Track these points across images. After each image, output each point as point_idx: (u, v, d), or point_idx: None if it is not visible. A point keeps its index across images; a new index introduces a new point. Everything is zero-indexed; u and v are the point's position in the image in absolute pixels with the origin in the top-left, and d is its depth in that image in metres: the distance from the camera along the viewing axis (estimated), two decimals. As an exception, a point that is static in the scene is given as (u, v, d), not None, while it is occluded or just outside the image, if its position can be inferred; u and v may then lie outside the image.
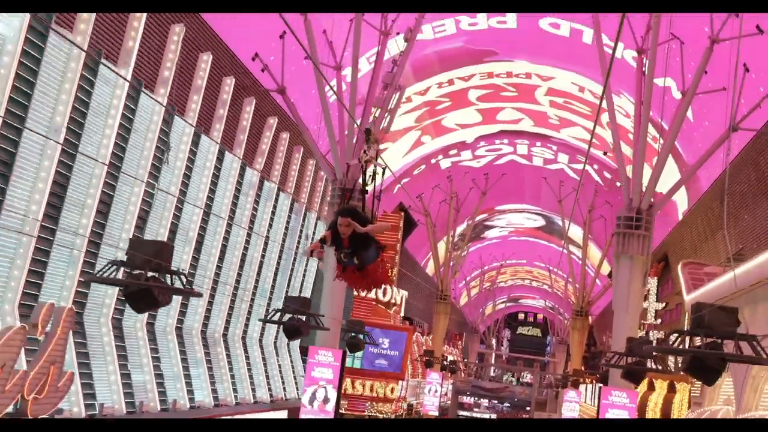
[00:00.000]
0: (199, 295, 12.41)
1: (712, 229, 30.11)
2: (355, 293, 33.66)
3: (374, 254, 8.14)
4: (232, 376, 22.31)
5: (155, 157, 16.55)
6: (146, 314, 17.72)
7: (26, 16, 11.64)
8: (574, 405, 43.43)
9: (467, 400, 59.82)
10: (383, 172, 9.44)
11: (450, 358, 51.92)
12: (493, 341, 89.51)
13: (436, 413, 45.96)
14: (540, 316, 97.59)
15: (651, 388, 26.47)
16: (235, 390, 22.40)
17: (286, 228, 25.39)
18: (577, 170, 40.06)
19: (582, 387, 45.12)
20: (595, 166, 38.39)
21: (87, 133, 14.32)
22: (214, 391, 21.03)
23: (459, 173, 42.94)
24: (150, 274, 11.01)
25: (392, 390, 37.76)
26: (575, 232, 48.27)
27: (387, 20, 24.27)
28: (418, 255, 51.08)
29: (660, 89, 24.59)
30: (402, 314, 42.20)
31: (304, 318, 18.94)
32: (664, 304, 38.05)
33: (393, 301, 40.45)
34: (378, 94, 23.94)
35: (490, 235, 58.63)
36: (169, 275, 10.95)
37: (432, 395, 44.46)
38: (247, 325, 23.97)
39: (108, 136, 14.94)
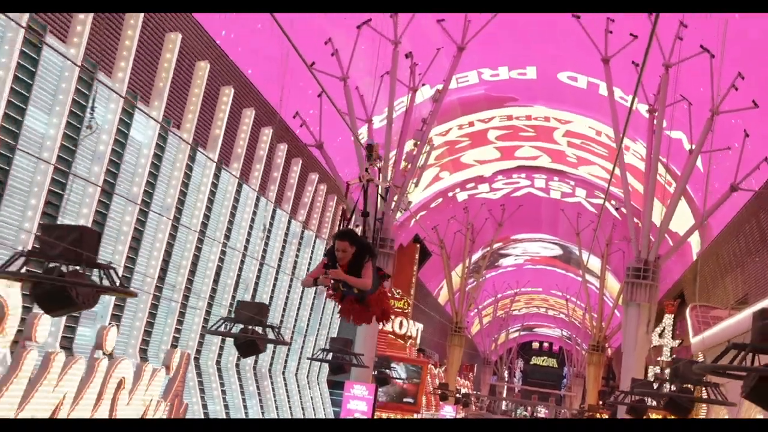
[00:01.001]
0: (287, 343, 18.58)
1: (722, 272, 36.30)
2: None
3: (376, 284, 8.35)
4: (277, 407, 28.48)
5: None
6: (217, 355, 23.97)
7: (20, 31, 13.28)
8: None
9: (479, 435, 65.80)
10: (386, 192, 11.46)
11: (463, 390, 57.93)
12: (505, 372, 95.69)
13: (450, 447, 51.99)
14: (556, 346, 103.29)
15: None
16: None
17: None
18: (596, 204, 46.26)
19: (598, 422, 51.27)
20: (613, 202, 44.53)
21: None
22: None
23: (475, 205, 49.25)
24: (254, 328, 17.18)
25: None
26: (593, 263, 54.43)
27: (415, 76, 30.54)
28: (431, 284, 57.30)
29: (673, 141, 30.98)
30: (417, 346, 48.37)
31: (347, 357, 25.24)
32: (679, 341, 44.20)
33: (409, 334, 46.69)
34: (408, 151, 30.29)
35: (505, 263, 64.96)
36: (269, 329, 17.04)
37: (446, 429, 50.44)
38: (286, 361, 30.16)
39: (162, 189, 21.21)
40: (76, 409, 15.17)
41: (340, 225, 10.72)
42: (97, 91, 16.00)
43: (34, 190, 15.36)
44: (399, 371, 41.23)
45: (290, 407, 30.10)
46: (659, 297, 36.17)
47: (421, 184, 43.23)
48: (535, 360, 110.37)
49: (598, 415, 47.67)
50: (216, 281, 23.51)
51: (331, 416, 34.64)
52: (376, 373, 31.52)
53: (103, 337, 16.16)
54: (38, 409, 14.10)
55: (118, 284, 11.03)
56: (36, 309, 13.73)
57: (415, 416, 44.13)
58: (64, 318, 15.40)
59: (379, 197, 9.72)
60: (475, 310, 69.49)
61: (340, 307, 8.75)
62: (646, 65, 26.95)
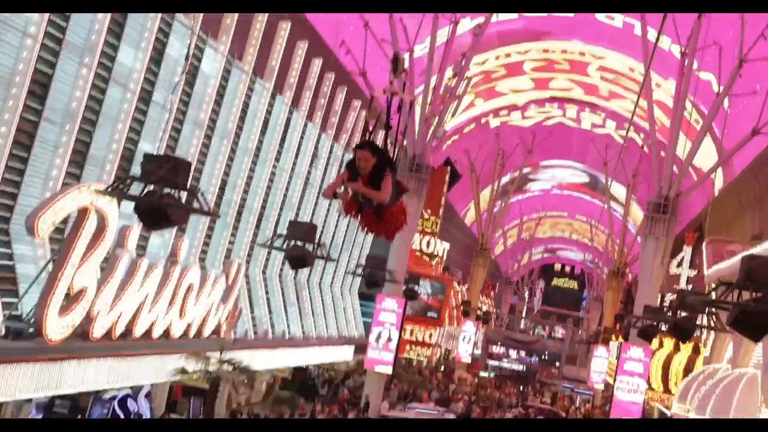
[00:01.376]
0: (333, 260, 20.96)
1: (741, 209, 38.30)
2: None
3: (395, 197, 8.42)
4: (314, 315, 31.23)
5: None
6: (263, 265, 26.61)
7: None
8: (603, 361, 52.47)
9: (497, 350, 69.26)
10: (411, 106, 10.53)
11: (484, 308, 60.79)
12: (526, 293, 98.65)
13: (469, 360, 55.20)
14: (577, 270, 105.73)
15: (661, 346, 35.17)
16: (315, 327, 31.41)
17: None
18: (625, 137, 47.98)
19: (613, 345, 53.98)
20: (641, 135, 46.30)
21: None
22: (303, 326, 30.00)
23: (507, 131, 51.19)
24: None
25: (430, 336, 46.78)
26: (620, 191, 56.39)
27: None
28: (459, 205, 59.62)
29: (702, 82, 32.74)
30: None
31: (381, 273, 27.80)
32: (696, 272, 46.45)
33: (435, 252, 49.23)
34: (447, 82, 32.28)
35: (533, 188, 67.07)
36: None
37: (466, 343, 53.58)
38: (322, 274, 32.81)
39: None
40: (154, 309, 17.80)
41: (362, 137, 9.15)
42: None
43: (121, 117, 17.74)
44: (425, 287, 43.91)
45: (325, 315, 32.86)
46: (679, 229, 38.55)
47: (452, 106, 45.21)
48: (556, 281, 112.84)
49: (613, 338, 50.13)
50: (265, 200, 25.94)
51: (362, 326, 37.47)
52: (405, 288, 34.09)
53: (177, 248, 18.71)
54: (126, 307, 16.71)
55: (203, 206, 13.43)
56: (128, 222, 16.27)
57: (438, 330, 46.88)
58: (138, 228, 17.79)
59: (402, 110, 9.47)
60: (500, 231, 71.79)
61: (357, 218, 8.72)
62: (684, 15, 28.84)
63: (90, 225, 14.92)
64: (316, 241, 20.18)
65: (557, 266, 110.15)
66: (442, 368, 53.06)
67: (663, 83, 37.81)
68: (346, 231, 34.27)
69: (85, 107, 16.51)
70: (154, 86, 18.65)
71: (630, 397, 30.89)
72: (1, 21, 14.00)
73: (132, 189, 12.95)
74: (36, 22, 14.64)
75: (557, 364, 72.39)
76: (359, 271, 28.38)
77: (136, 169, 17.52)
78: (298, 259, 20.30)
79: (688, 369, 35.29)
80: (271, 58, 24.15)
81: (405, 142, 32.04)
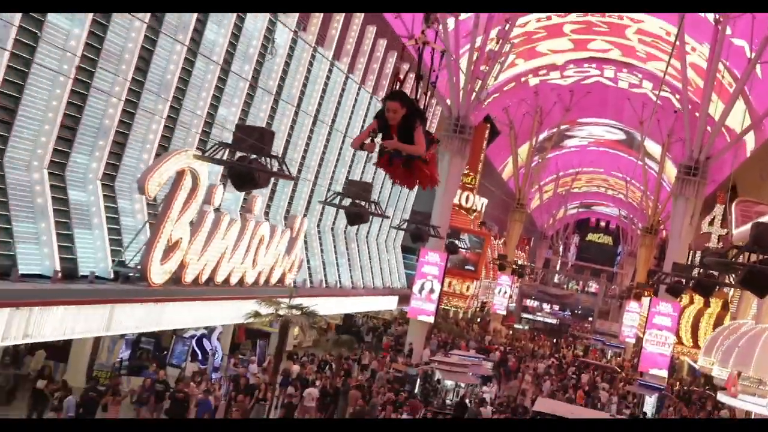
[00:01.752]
0: (387, 216, 23.44)
1: (772, 172, 40.28)
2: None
3: (426, 148, 8.43)
4: (361, 267, 33.82)
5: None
6: (318, 220, 29.17)
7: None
8: (634, 315, 54.89)
9: (531, 303, 71.82)
10: (442, 56, 9.25)
11: (519, 262, 63.23)
12: (561, 247, 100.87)
13: (504, 313, 57.79)
14: (612, 225, 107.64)
15: (691, 302, 37.48)
16: (363, 278, 34.03)
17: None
18: (661, 97, 49.88)
19: (645, 300, 56.28)
20: (677, 96, 48.11)
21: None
22: (352, 277, 32.63)
23: (545, 89, 53.15)
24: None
25: (467, 288, 49.32)
26: (656, 149, 58.27)
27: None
28: (497, 160, 61.82)
29: (736, 48, 34.56)
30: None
31: (426, 228, 30.15)
32: (727, 230, 48.50)
33: (474, 207, 51.62)
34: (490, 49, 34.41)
35: (569, 144, 69.03)
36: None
37: (502, 296, 56.13)
38: (369, 227, 35.35)
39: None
40: (233, 259, 20.41)
41: (392, 86, 9.36)
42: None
43: (205, 86, 20.21)
44: (464, 241, 46.34)
45: (371, 267, 35.47)
46: (711, 189, 40.70)
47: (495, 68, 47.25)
48: (591, 236, 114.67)
49: (645, 293, 52.30)
50: (322, 158, 28.45)
51: (404, 277, 40.07)
52: (447, 242, 36.51)
53: (252, 204, 21.25)
54: (211, 256, 19.33)
55: (285, 171, 15.86)
56: (213, 182, 18.81)
57: (475, 283, 49.37)
58: (222, 187, 20.34)
59: (433, 61, 9.24)
60: (536, 187, 73.91)
61: (387, 171, 8.72)
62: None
63: (186, 185, 17.47)
64: (371, 199, 22.59)
65: (592, 221, 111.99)
66: (478, 320, 55.68)
67: (698, 47, 39.59)
68: (392, 187, 36.67)
69: (177, 79, 18.99)
70: (232, 58, 21.08)
71: (658, 349, 33.20)
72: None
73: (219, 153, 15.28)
74: (141, 7, 17.07)
75: (590, 318, 74.93)
76: (404, 225, 30.77)
77: (217, 133, 20.07)
78: (357, 216, 22.72)
79: (717, 325, 37.75)
80: (331, 27, 26.48)
81: (449, 102, 34.36)
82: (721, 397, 28.69)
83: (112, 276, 17.14)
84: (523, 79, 50.78)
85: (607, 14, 42.22)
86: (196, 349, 22.48)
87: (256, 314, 20.74)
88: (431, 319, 34.52)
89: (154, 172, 16.43)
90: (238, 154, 15.25)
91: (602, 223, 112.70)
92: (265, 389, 19.29)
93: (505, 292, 56.61)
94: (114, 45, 16.91)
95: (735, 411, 30.17)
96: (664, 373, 33.12)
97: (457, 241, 37.41)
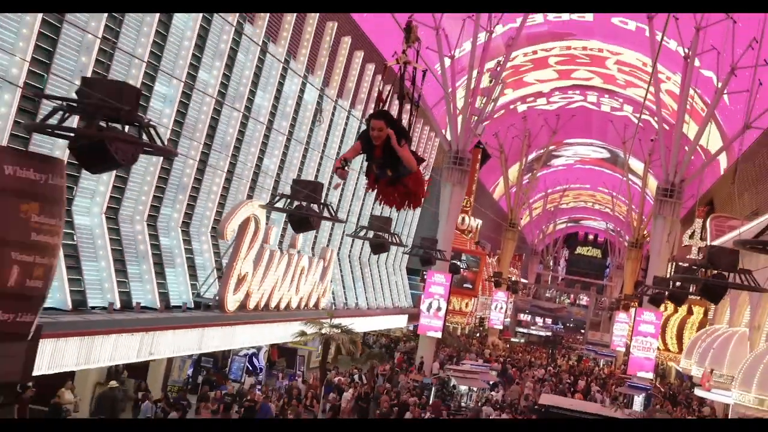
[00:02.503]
0: (405, 245, 28.12)
1: (740, 189, 45.20)
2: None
3: (409, 168, 8.58)
4: (374, 289, 38.52)
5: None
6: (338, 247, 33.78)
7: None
8: (623, 326, 59.70)
9: (525, 318, 76.65)
10: (423, 75, 9.60)
11: (513, 278, 68.03)
12: (551, 261, 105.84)
13: (501, 327, 62.54)
14: (600, 238, 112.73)
15: (676, 311, 42.32)
16: (375, 299, 38.74)
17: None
18: (642, 120, 54.90)
19: (633, 311, 61.13)
20: (656, 118, 53.05)
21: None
22: (366, 299, 37.32)
23: (533, 115, 58.15)
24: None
25: (466, 305, 54.10)
26: (638, 165, 63.25)
27: (492, 21, 39.00)
28: (488, 181, 66.75)
29: (704, 77, 39.48)
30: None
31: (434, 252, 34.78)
32: (705, 243, 53.39)
33: (469, 228, 56.43)
34: (484, 87, 39.23)
35: (557, 163, 74.09)
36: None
37: (498, 311, 60.88)
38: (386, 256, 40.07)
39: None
40: (282, 286, 25.03)
41: (376, 107, 9.61)
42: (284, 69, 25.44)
43: (253, 142, 24.85)
44: (464, 261, 51.14)
45: (381, 289, 40.16)
46: (692, 203, 45.61)
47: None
48: (580, 249, 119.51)
49: (632, 304, 57.13)
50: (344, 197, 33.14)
51: (410, 297, 44.76)
52: (450, 264, 41.16)
53: (295, 240, 25.92)
54: (267, 286, 23.95)
55: (333, 215, 20.38)
56: (268, 222, 23.45)
57: (473, 300, 54.17)
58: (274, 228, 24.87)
59: (415, 80, 9.37)
60: (526, 204, 78.86)
61: (373, 190, 9.00)
62: (686, 22, 35.58)
63: (251, 229, 22.11)
64: (392, 230, 27.17)
65: (580, 235, 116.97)
66: (477, 335, 60.40)
67: (672, 76, 44.57)
68: (398, 216, 41.38)
69: (234, 139, 23.70)
70: (274, 117, 25.79)
71: (644, 354, 37.90)
72: (188, 83, 21.04)
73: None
74: (212, 84, 21.80)
75: (582, 330, 79.84)
76: (414, 251, 35.38)
77: (261, 181, 24.72)
78: (380, 246, 27.26)
79: (680, 328, 42.78)
80: (320, 56, 30.99)
81: (448, 137, 39.08)
82: (697, 391, 33.48)
83: (193, 305, 21.73)
84: (512, 106, 55.69)
85: (588, 48, 47.20)
86: (249, 365, 27.07)
87: (302, 333, 25.32)
88: (439, 335, 39.10)
89: (230, 220, 21.08)
90: (296, 203, 19.50)
91: (590, 237, 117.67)
92: (311, 396, 23.89)
93: (501, 308, 61.36)
94: (191, 118, 21.59)
95: (715, 407, 34.95)
96: (650, 375, 37.85)
97: (458, 262, 42.06)
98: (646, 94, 43.67)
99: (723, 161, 48.54)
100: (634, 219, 64.72)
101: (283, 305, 25.51)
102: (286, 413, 23.16)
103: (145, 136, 10.19)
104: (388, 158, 8.32)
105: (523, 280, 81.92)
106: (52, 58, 16.18)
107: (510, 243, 63.34)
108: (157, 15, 18.83)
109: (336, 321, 26.22)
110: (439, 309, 38.87)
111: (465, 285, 54.00)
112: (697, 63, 37.65)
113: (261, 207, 21.65)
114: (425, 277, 43.73)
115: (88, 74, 16.57)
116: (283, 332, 25.80)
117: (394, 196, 8.95)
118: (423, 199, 9.38)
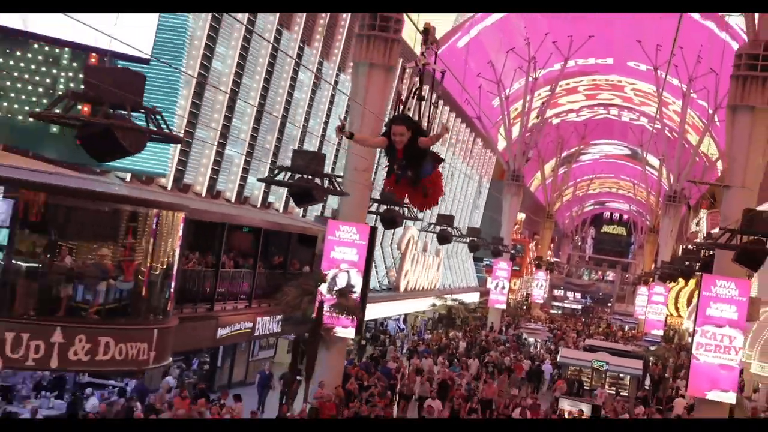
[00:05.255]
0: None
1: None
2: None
3: (430, 168, 9.43)
4: (453, 273, 56.55)
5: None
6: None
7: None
8: (644, 298, 77.53)
9: (559, 293, 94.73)
10: (442, 76, 9.32)
11: (550, 260, 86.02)
12: (579, 241, 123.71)
13: (542, 301, 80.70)
14: (625, 218, 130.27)
15: (686, 284, 59.99)
16: (453, 280, 56.77)
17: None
18: (656, 128, 72.55)
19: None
20: (667, 128, 70.72)
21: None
22: (449, 280, 55.34)
23: (565, 125, 75.83)
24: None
25: (515, 284, 72.13)
26: (654, 161, 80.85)
27: (535, 67, 56.65)
28: (527, 177, 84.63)
29: (700, 105, 57.11)
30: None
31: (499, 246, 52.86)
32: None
33: (516, 222, 74.35)
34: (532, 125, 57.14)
35: (585, 158, 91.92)
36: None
37: (539, 288, 78.85)
38: (453, 246, 57.93)
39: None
40: (420, 275, 42.93)
41: (395, 110, 10.04)
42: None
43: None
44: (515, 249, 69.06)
45: (456, 272, 58.14)
46: (698, 197, 63.20)
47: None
48: (606, 228, 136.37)
49: (650, 281, 74.81)
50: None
51: (476, 278, 62.76)
52: (510, 254, 58.92)
53: (426, 244, 43.90)
54: (413, 275, 41.87)
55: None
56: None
57: (520, 279, 72.03)
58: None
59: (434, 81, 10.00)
60: (557, 193, 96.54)
61: (395, 190, 9.87)
62: (682, 68, 53.01)
63: (412, 239, 39.92)
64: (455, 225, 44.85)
65: (606, 216, 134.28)
66: (524, 307, 78.51)
67: (675, 101, 62.27)
68: (461, 216, 59.30)
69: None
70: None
71: (656, 317, 55.95)
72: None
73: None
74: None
75: (609, 303, 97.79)
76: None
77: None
78: (446, 239, 44.54)
79: (690, 298, 60.66)
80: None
81: (510, 162, 56.84)
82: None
83: (380, 288, 39.52)
84: (549, 121, 73.46)
85: (609, 80, 64.82)
86: (397, 327, 44.94)
87: (434, 305, 43.18)
88: (504, 307, 56.96)
89: (404, 238, 38.81)
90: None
91: (616, 216, 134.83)
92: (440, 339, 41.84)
93: (542, 285, 79.31)
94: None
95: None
96: (661, 332, 55.69)
97: (513, 251, 59.85)
98: (657, 111, 61.46)
99: (720, 166, 66.10)
100: (653, 204, 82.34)
101: (420, 287, 43.35)
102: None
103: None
104: (410, 159, 9.16)
105: (555, 259, 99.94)
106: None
107: (548, 232, 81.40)
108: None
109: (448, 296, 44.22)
110: (503, 288, 56.71)
111: (513, 268, 71.90)
112: (693, 95, 55.28)
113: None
114: (485, 263, 62.05)
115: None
116: (421, 305, 43.63)
117: (415, 197, 9.87)
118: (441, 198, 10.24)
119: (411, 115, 9.64)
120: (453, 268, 57.05)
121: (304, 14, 31.15)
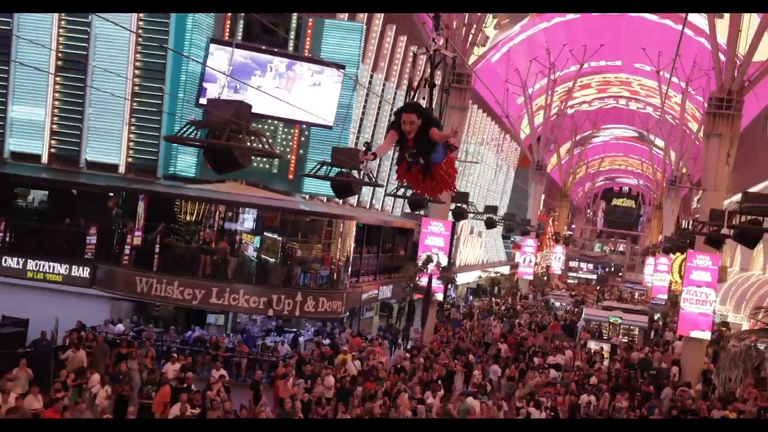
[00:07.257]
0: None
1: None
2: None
3: (442, 154, 9.65)
4: (487, 250, 69.82)
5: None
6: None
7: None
8: (651, 267, 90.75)
9: (574, 264, 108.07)
10: (453, 62, 14.02)
11: (567, 235, 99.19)
12: (590, 213, 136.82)
13: (560, 272, 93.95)
14: (634, 191, 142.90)
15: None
16: (488, 256, 70.10)
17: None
18: (660, 115, 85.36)
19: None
20: (669, 116, 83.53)
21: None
22: (484, 256, 68.63)
23: (578, 114, 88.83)
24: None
25: (537, 257, 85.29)
26: (660, 143, 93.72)
27: (555, 71, 69.58)
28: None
29: (697, 100, 70.12)
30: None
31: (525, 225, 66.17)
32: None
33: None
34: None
35: (596, 141, 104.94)
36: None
37: (557, 261, 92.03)
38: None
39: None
40: (470, 254, 56.01)
41: (406, 97, 10.05)
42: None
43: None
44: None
45: (489, 249, 71.33)
46: (698, 178, 75.84)
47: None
48: (616, 201, 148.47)
49: (656, 252, 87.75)
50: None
51: (504, 254, 75.88)
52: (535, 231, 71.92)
53: (473, 228, 57.14)
54: (463, 254, 55.00)
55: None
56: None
57: (540, 253, 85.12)
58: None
59: (445, 67, 10.55)
60: (572, 170, 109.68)
61: (406, 179, 10.13)
62: (685, 71, 65.61)
63: (466, 229, 52.99)
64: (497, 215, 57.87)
65: (616, 189, 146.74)
66: (545, 278, 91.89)
67: (676, 94, 75.23)
68: (487, 197, 72.29)
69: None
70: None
71: (662, 284, 69.08)
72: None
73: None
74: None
75: (620, 273, 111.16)
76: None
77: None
78: (492, 224, 57.25)
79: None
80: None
81: (534, 154, 69.78)
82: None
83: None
84: (565, 111, 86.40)
85: (618, 78, 77.66)
86: (451, 294, 57.98)
87: (479, 277, 56.18)
88: (531, 278, 70.08)
89: (458, 225, 51.87)
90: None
91: (625, 189, 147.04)
92: (484, 309, 54.85)
93: (560, 258, 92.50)
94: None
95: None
96: (665, 296, 68.73)
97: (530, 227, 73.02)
98: (662, 100, 74.38)
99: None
100: (659, 179, 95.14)
101: (467, 263, 56.31)
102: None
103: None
104: (421, 147, 9.36)
105: (569, 233, 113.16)
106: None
107: (564, 210, 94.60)
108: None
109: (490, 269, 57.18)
110: (530, 262, 69.77)
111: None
112: (691, 91, 68.13)
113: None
114: (513, 239, 75.33)
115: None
116: (470, 277, 56.61)
117: (426, 185, 10.08)
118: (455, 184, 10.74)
119: (423, 103, 9.93)
120: (487, 246, 70.01)
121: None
